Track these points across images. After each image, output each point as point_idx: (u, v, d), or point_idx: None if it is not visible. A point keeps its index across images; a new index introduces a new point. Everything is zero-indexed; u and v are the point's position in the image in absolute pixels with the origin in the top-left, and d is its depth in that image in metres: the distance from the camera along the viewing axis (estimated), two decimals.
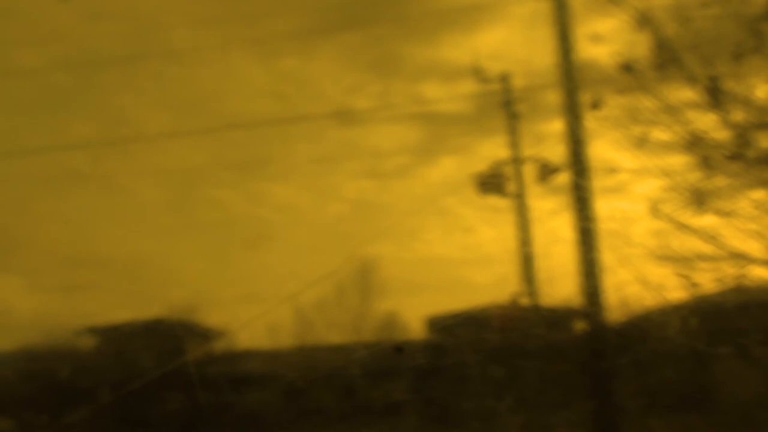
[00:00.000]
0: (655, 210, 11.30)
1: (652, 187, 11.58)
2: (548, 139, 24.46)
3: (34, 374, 32.13)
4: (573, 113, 16.49)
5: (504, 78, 22.13)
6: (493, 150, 23.66)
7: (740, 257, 10.86)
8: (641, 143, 11.33)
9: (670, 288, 12.01)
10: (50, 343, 33.05)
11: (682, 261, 11.14)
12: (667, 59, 11.04)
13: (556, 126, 17.23)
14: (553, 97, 17.16)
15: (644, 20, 11.60)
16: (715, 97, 10.54)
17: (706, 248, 10.87)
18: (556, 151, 18.00)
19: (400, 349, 20.55)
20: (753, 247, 10.79)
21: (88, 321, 35.14)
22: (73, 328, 34.81)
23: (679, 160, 11.05)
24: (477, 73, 21.82)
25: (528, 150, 21.55)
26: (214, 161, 41.66)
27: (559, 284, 21.72)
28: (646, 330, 15.52)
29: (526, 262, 21.22)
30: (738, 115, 10.55)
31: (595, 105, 14.18)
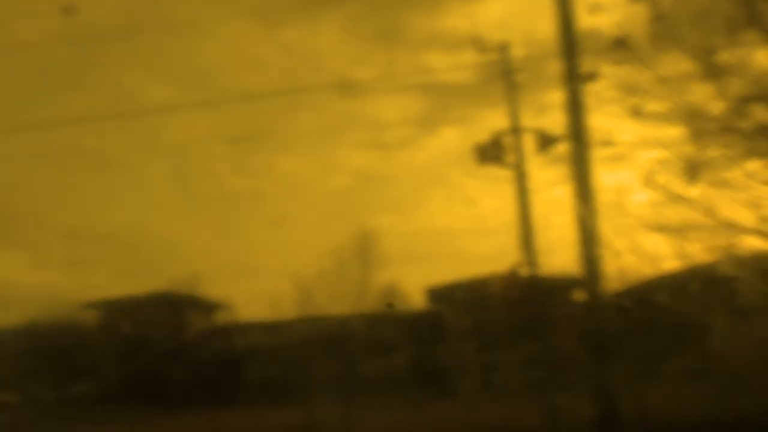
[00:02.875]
0: (649, 181, 11.37)
1: (647, 158, 11.63)
2: (549, 109, 24.41)
3: (39, 348, 32.43)
4: (572, 83, 16.46)
5: (503, 48, 22.01)
6: (495, 120, 23.65)
7: (733, 227, 10.92)
8: (637, 115, 11.35)
9: (665, 257, 12.11)
10: (54, 317, 33.31)
11: (676, 231, 11.21)
12: (664, 31, 11.01)
13: (557, 96, 17.19)
14: (555, 67, 17.11)
15: None
16: (711, 69, 10.55)
17: (699, 218, 10.94)
18: (556, 121, 17.98)
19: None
20: (745, 217, 10.86)
21: (92, 295, 35.43)
22: (77, 302, 35.10)
23: (674, 132, 11.09)
24: (477, 43, 21.72)
25: (529, 120, 21.50)
26: (216, 134, 41.64)
27: (558, 254, 21.85)
28: (642, 298, 15.65)
29: (526, 232, 21.23)
30: (733, 87, 10.56)
31: (590, 77, 14.19)
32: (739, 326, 12.80)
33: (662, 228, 11.35)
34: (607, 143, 13.38)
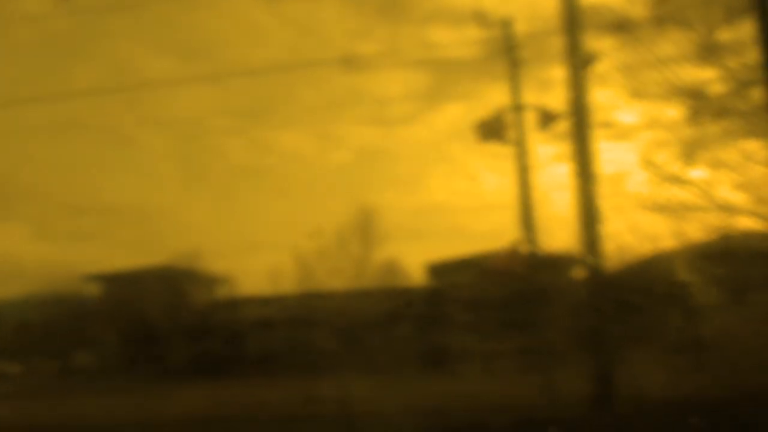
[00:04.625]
0: (647, 161, 11.42)
1: (647, 138, 11.66)
2: (552, 85, 24.36)
3: (41, 320, 32.66)
4: (574, 61, 16.42)
5: (506, 23, 21.89)
6: (498, 96, 23.59)
7: (728, 208, 10.95)
8: (637, 95, 11.38)
9: (662, 237, 12.18)
10: (56, 290, 33.52)
11: (673, 211, 11.25)
12: (666, 11, 10.99)
13: (560, 72, 17.15)
14: (559, 43, 17.04)
15: None
16: (711, 51, 10.54)
17: (696, 199, 10.98)
18: (559, 98, 17.95)
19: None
20: (741, 198, 10.90)
21: (94, 268, 35.60)
22: (79, 275, 35.29)
23: (673, 112, 11.11)
24: (479, 18, 21.60)
25: (532, 96, 21.42)
26: (219, 109, 41.56)
27: (558, 231, 21.90)
28: (640, 277, 15.72)
29: (526, 210, 21.25)
30: (732, 69, 10.56)
31: (590, 59, 14.13)
32: (733, 304, 12.90)
33: (659, 208, 11.42)
34: (608, 123, 13.41)
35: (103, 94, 35.65)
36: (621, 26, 10.97)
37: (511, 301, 24.11)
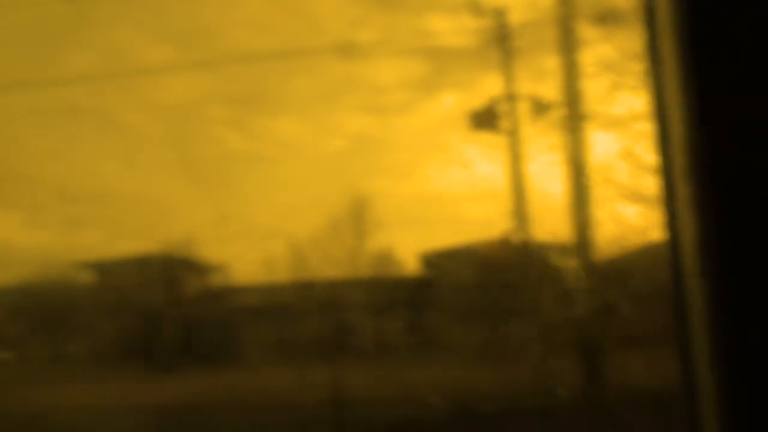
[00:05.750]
0: (628, 153, 11.50)
1: (632, 128, 11.72)
2: (546, 75, 24.36)
3: (33, 308, 32.67)
4: (567, 51, 16.49)
5: (499, 13, 21.92)
6: (494, 85, 23.59)
7: None
8: (621, 87, 11.44)
9: (650, 227, 12.25)
10: (48, 277, 33.50)
11: (657, 202, 11.31)
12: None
13: (554, 62, 17.23)
14: (553, 33, 17.12)
15: None
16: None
17: None
18: (553, 88, 18.04)
19: None
20: None
21: (86, 256, 35.54)
22: (71, 262, 35.24)
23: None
24: (474, 7, 21.66)
25: (527, 86, 21.48)
26: (213, 96, 41.41)
27: (551, 221, 21.94)
28: (629, 267, 15.82)
29: (519, 199, 21.37)
30: None
31: (579, 47, 14.20)
32: None
33: (643, 199, 11.51)
34: (597, 114, 13.51)
35: (98, 80, 35.51)
36: (607, 17, 11.04)
37: (502, 289, 24.20)
